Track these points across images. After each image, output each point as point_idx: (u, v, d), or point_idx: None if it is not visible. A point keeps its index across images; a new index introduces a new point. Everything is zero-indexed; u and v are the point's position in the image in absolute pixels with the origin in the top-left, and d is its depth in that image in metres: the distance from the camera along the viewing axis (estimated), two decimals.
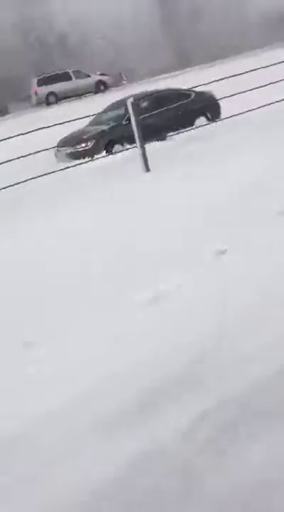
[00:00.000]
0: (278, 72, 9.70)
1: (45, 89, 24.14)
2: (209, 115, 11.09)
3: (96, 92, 24.79)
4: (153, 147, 7.77)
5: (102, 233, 4.52)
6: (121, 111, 11.00)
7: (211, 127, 9.69)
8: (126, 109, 11.04)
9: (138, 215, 4.73)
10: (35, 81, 24.49)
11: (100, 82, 25.35)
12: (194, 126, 10.56)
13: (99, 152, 10.33)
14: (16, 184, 7.37)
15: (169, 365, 2.44)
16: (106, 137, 10.32)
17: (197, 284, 3.23)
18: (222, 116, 10.71)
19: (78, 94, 24.01)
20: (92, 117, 10.81)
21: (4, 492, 1.95)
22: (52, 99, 23.97)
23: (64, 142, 10.95)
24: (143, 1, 39.52)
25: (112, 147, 10.26)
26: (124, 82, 27.60)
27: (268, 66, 9.76)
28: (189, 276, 3.29)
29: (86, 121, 10.78)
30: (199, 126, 9.72)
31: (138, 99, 11.25)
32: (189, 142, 8.40)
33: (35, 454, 2.10)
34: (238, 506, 1.66)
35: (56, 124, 8.90)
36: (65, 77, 24.50)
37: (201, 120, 10.97)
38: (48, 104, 23.82)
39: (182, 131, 10.01)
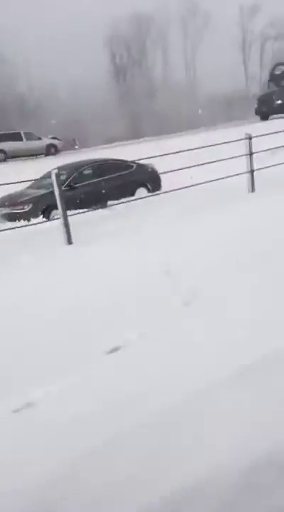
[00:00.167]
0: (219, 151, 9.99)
1: None
2: (149, 186, 11.29)
3: (46, 155, 25.11)
4: (84, 216, 7.59)
5: None
6: (63, 176, 10.95)
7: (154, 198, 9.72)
8: (68, 175, 11.08)
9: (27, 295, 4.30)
10: None
11: (51, 146, 25.77)
12: (135, 197, 10.67)
13: (35, 216, 10.06)
14: None
15: None
16: (44, 202, 10.08)
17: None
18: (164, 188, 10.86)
19: (28, 154, 24.19)
20: (33, 181, 10.63)
21: None
22: (0, 157, 23.95)
23: (1, 202, 10.63)
24: (102, 74, 41.87)
25: (49, 213, 10.03)
26: (76, 147, 28.23)
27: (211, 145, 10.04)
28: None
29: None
30: (138, 198, 9.72)
31: (80, 166, 11.36)
32: (125, 213, 8.31)
33: None
34: None
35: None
36: (16, 137, 24.71)
37: (141, 191, 11.12)
38: None
39: (123, 200, 10.03)
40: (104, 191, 10.41)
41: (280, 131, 9.81)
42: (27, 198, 10.43)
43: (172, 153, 8.76)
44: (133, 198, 10.26)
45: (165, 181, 10.57)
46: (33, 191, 10.82)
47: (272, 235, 4.96)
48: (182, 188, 8.38)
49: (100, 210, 9.07)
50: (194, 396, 2.49)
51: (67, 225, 6.20)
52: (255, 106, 25.87)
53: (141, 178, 11.22)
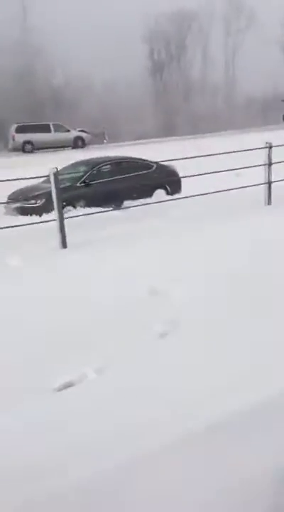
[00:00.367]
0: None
1: (22, 137, 24.09)
2: (168, 189, 10.82)
3: (73, 147, 24.90)
4: (92, 216, 7.23)
5: None
6: (80, 172, 10.63)
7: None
8: (85, 171, 10.73)
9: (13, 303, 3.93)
10: (14, 127, 24.48)
11: (78, 138, 25.55)
12: (152, 198, 10.24)
13: (48, 212, 9.73)
14: None
15: None
16: None
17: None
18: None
19: (56, 146, 24.04)
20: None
21: None
22: (28, 148, 23.90)
23: (16, 195, 10.40)
24: (139, 70, 41.45)
25: (62, 208, 9.70)
26: (105, 141, 27.95)
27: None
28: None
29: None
30: (154, 202, 9.24)
31: (98, 163, 10.99)
32: (136, 216, 7.88)
33: None
34: None
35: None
36: (45, 128, 24.62)
37: (160, 193, 10.67)
38: (24, 151, 23.72)
39: (138, 201, 9.61)
40: (120, 190, 10.02)
41: None
42: (40, 192, 10.14)
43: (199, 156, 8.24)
44: (149, 200, 9.84)
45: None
46: (47, 185, 10.50)
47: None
48: (201, 194, 7.89)
49: (111, 211, 8.68)
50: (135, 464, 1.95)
51: (62, 229, 5.82)
52: None
53: (160, 180, 10.72)
